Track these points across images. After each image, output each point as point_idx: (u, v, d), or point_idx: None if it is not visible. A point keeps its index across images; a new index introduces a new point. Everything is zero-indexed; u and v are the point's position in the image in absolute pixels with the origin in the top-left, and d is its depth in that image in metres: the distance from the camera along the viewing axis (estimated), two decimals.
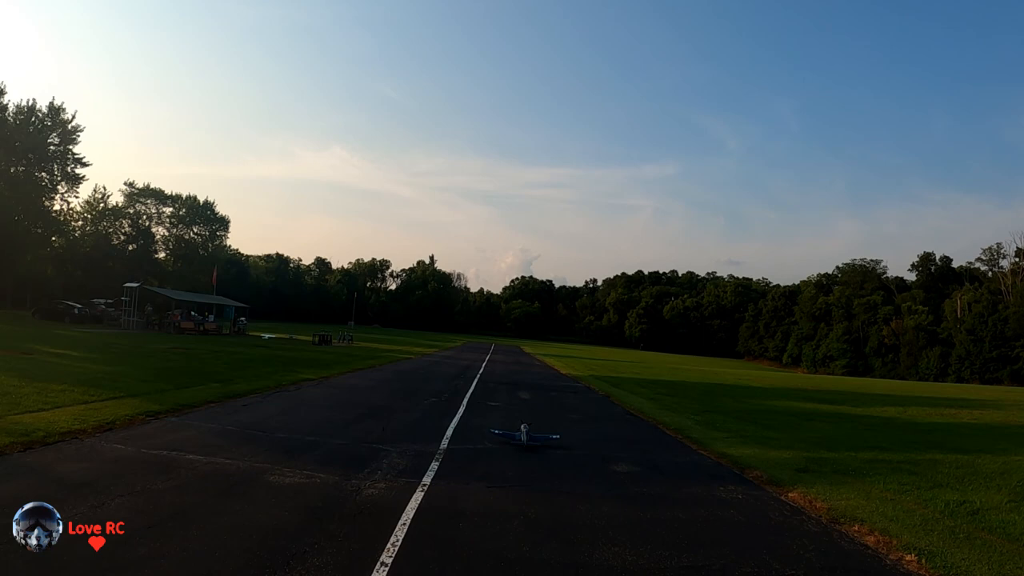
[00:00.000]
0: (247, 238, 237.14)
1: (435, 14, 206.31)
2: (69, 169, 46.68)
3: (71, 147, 46.20)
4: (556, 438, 10.50)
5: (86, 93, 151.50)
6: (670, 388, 25.65)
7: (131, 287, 41.73)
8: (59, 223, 48.31)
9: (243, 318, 50.96)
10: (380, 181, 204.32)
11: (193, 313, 46.65)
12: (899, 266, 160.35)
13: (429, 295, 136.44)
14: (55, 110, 44.79)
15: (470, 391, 17.51)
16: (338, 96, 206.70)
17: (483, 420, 12.07)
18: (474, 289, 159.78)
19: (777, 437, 13.22)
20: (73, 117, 45.63)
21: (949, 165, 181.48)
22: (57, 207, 47.23)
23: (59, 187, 46.20)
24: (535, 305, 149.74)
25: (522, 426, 10.14)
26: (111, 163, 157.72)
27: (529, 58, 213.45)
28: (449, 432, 10.18)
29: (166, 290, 46.09)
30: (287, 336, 47.26)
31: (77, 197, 49.13)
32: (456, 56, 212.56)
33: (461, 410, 13.11)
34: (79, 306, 44.22)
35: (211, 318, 47.07)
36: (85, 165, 47.00)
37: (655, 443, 11.59)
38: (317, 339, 41.94)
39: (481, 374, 24.93)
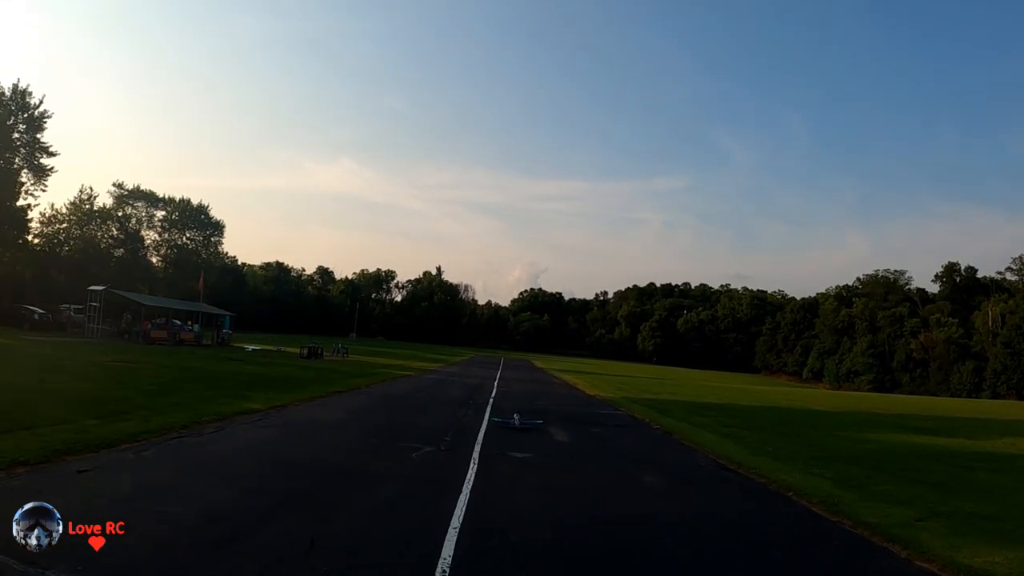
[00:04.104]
0: (251, 249, 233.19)
1: (443, 27, 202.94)
2: (36, 160, 42.00)
3: (38, 135, 41.58)
4: (540, 422, 13.27)
5: (90, 104, 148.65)
6: (731, 416, 20.33)
7: (96, 290, 36.89)
8: (25, 220, 43.49)
9: (227, 329, 46.11)
10: (387, 193, 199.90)
11: (177, 322, 41.97)
12: (913, 277, 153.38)
13: (435, 307, 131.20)
14: (20, 93, 40.23)
15: (483, 429, 12.17)
16: (346, 108, 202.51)
17: (512, 501, 6.90)
18: (481, 302, 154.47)
19: (986, 512, 8.09)
20: (41, 102, 41.11)
21: (958, 177, 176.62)
22: (23, 202, 42.35)
23: (23, 177, 41.35)
24: (544, 318, 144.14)
25: (515, 415, 13.10)
26: (114, 173, 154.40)
27: (538, 71, 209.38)
28: (448, 551, 4.80)
29: (135, 294, 41.20)
30: (275, 348, 42.26)
31: (44, 191, 44.33)
32: (465, 69, 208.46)
33: (471, 475, 7.73)
34: (40, 311, 39.51)
35: (195, 327, 42.33)
36: (53, 155, 42.34)
37: (834, 545, 6.39)
38: (306, 352, 36.93)
39: (494, 399, 19.50)
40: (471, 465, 8.30)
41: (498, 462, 8.83)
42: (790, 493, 8.68)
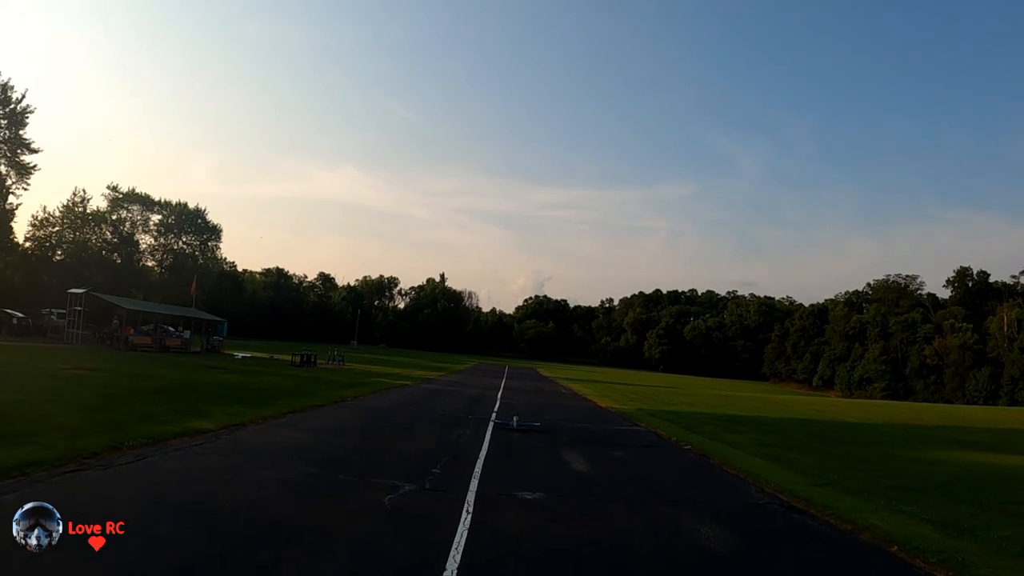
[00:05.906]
0: (254, 256, 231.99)
1: (450, 35, 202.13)
2: (17, 157, 40.08)
3: (20, 131, 39.68)
4: (538, 425, 14.04)
5: (97, 109, 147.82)
6: (765, 431, 18.00)
7: (76, 294, 34.87)
8: (8, 223, 41.61)
9: (219, 336, 44.00)
10: (393, 201, 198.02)
11: (170, 328, 39.94)
12: (925, 283, 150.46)
13: (439, 314, 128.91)
14: (1, 88, 38.38)
15: (482, 456, 9.85)
16: (352, 115, 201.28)
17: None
18: (486, 309, 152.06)
19: None
20: (23, 96, 39.30)
21: (964, 182, 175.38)
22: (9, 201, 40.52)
23: (7, 178, 39.54)
24: (549, 325, 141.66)
25: (514, 417, 13.96)
26: (115, 177, 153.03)
27: (544, 79, 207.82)
28: None
29: (119, 298, 39.14)
30: (267, 355, 40.11)
31: (27, 189, 42.42)
32: (471, 77, 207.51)
33: (461, 536, 5.33)
34: (20, 315, 37.61)
35: (185, 333, 40.24)
36: (35, 151, 40.47)
37: None
38: (297, 359, 34.78)
39: (497, 413, 17.31)
40: (463, 516, 5.98)
41: (500, 509, 6.50)
42: (893, 548, 6.41)
